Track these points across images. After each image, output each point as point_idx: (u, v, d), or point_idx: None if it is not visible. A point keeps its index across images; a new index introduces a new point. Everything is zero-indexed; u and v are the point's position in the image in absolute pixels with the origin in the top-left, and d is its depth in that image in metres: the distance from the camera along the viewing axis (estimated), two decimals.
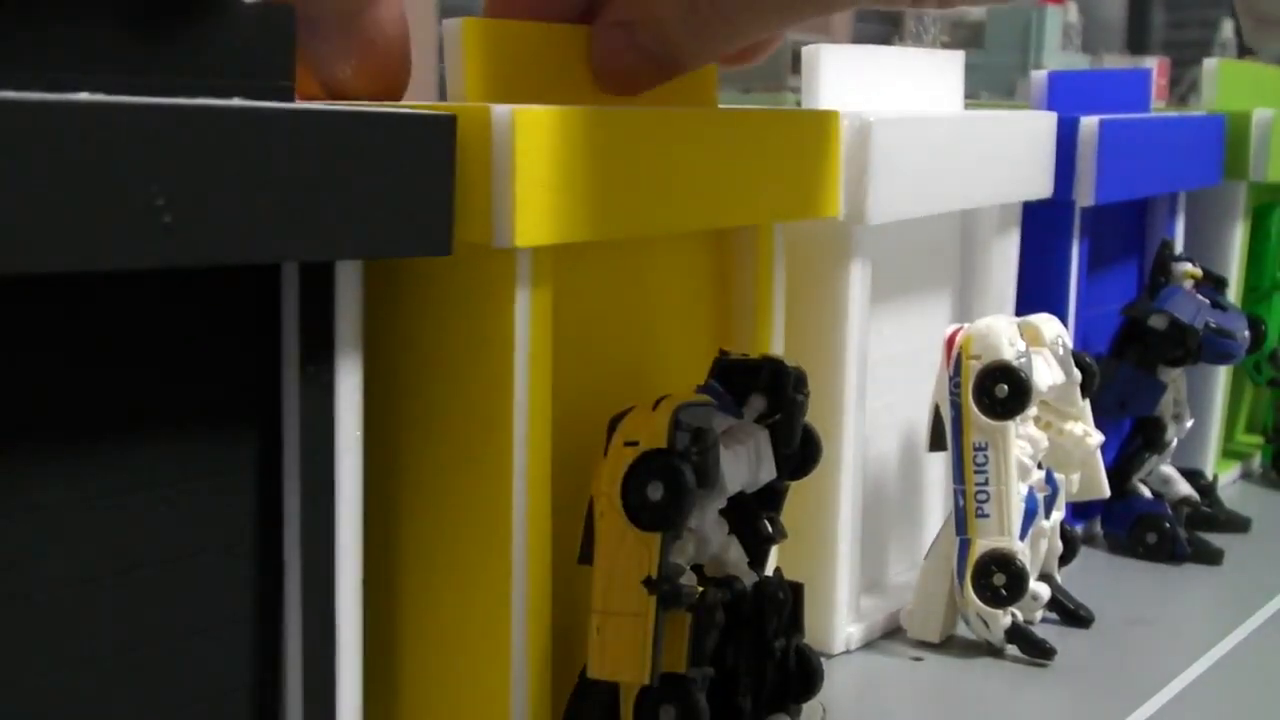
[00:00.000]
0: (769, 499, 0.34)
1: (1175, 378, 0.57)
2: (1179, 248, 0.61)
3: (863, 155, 0.41)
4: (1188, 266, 0.57)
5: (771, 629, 0.33)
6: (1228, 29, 3.24)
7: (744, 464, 0.33)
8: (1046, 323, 0.47)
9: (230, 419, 0.28)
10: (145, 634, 0.27)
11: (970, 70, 0.54)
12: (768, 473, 0.33)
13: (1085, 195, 0.53)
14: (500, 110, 0.28)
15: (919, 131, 0.44)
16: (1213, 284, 0.58)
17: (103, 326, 0.25)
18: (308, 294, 0.28)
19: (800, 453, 0.34)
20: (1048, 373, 0.46)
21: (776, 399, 0.33)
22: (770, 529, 0.34)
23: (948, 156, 0.45)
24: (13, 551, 0.24)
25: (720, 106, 0.38)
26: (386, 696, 0.34)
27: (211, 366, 0.27)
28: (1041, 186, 0.51)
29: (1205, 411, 0.66)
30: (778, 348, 0.40)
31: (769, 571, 0.34)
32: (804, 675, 0.34)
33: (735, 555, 0.34)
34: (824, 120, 0.39)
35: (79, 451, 0.25)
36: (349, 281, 0.28)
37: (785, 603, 0.33)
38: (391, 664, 0.34)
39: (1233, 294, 0.65)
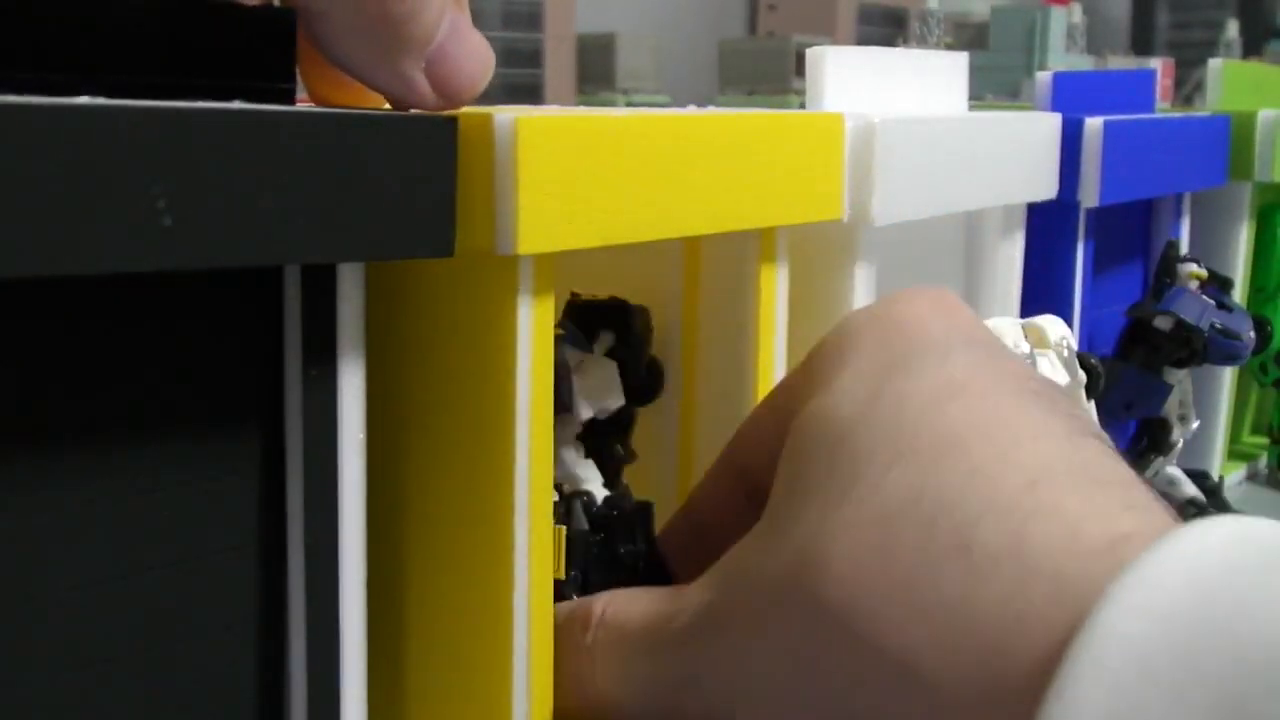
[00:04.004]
0: (620, 425, 0.38)
1: (1181, 379, 0.57)
2: (1184, 248, 0.60)
3: (867, 156, 0.41)
4: (1193, 267, 0.57)
5: (619, 536, 0.36)
6: (1232, 29, 3.24)
7: (594, 392, 0.36)
8: (1051, 324, 0.47)
9: (233, 421, 0.28)
10: (149, 636, 0.27)
11: (975, 72, 0.53)
12: (616, 400, 0.36)
13: (1090, 196, 0.53)
14: (502, 118, 0.28)
15: (924, 133, 0.43)
16: (1218, 285, 0.58)
17: (105, 330, 0.25)
18: (310, 296, 0.28)
19: (646, 381, 0.38)
20: (1052, 374, 0.46)
21: (623, 334, 0.37)
22: (622, 451, 0.38)
23: (952, 158, 0.45)
24: (16, 553, 0.24)
25: (723, 110, 0.38)
26: (391, 696, 0.34)
27: (214, 369, 0.27)
28: (1046, 188, 0.51)
29: (1211, 413, 0.66)
30: (780, 351, 0.40)
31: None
32: (655, 579, 0.35)
33: (589, 474, 0.37)
34: (827, 123, 0.39)
35: (80, 455, 0.25)
36: (351, 284, 0.28)
37: (634, 512, 0.36)
38: (396, 665, 0.34)
39: (1238, 295, 0.65)
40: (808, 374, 0.32)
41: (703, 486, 0.36)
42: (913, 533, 0.25)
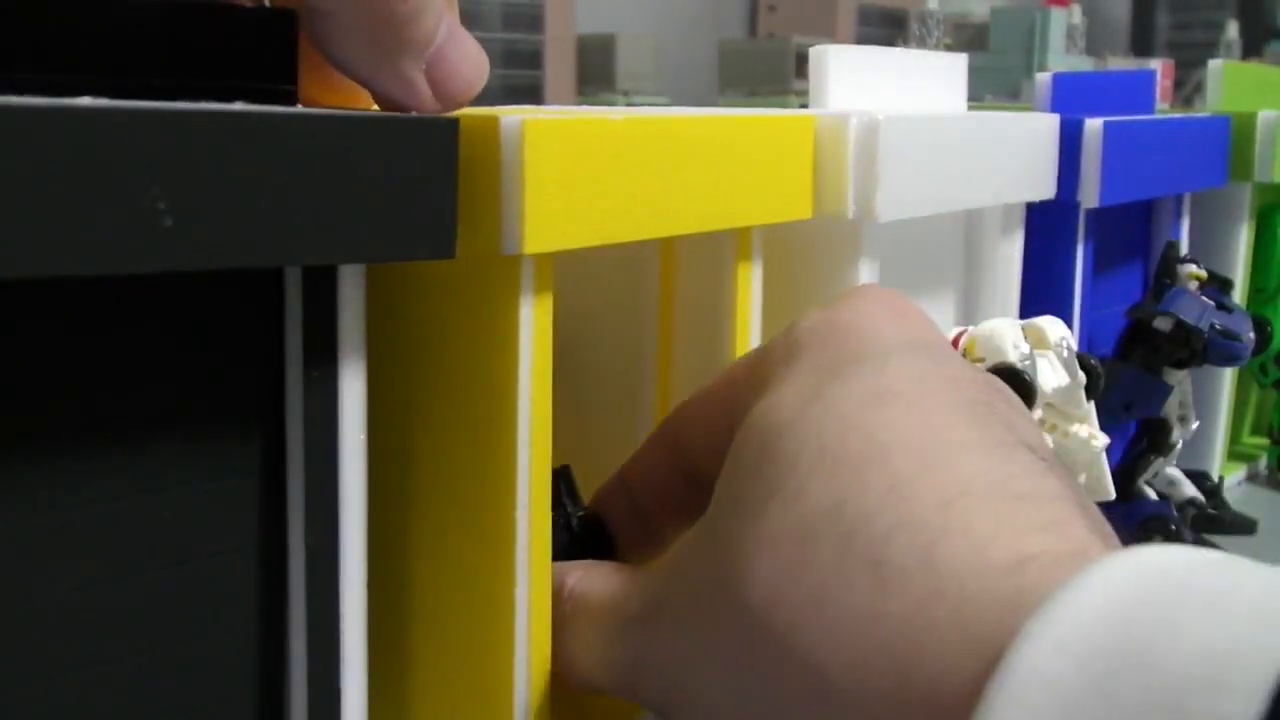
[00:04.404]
0: None
1: (1181, 380, 0.57)
2: (1184, 249, 0.60)
3: (871, 153, 0.41)
4: (1193, 268, 0.57)
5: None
6: (1232, 30, 3.24)
7: None
8: (1051, 325, 0.47)
9: (234, 422, 0.28)
10: (149, 636, 0.27)
11: (975, 72, 0.54)
12: None
13: (1090, 197, 0.53)
14: (509, 120, 0.29)
15: (927, 130, 0.43)
16: (1218, 285, 0.58)
17: (105, 330, 0.25)
18: (311, 297, 0.28)
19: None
20: (1052, 375, 0.46)
21: None
22: None
23: (954, 156, 0.45)
24: (16, 554, 0.24)
25: (712, 111, 0.38)
26: (391, 697, 0.34)
27: (215, 370, 0.27)
28: (1046, 188, 0.51)
29: (1211, 413, 0.66)
30: (754, 345, 0.40)
31: None
32: (596, 539, 0.36)
33: None
34: (797, 124, 0.39)
35: (82, 456, 0.25)
36: (352, 285, 0.28)
37: (553, 476, 0.36)
38: (397, 663, 0.34)
39: (1238, 295, 0.65)
40: (758, 375, 0.32)
41: (640, 462, 0.36)
42: (829, 545, 0.25)
